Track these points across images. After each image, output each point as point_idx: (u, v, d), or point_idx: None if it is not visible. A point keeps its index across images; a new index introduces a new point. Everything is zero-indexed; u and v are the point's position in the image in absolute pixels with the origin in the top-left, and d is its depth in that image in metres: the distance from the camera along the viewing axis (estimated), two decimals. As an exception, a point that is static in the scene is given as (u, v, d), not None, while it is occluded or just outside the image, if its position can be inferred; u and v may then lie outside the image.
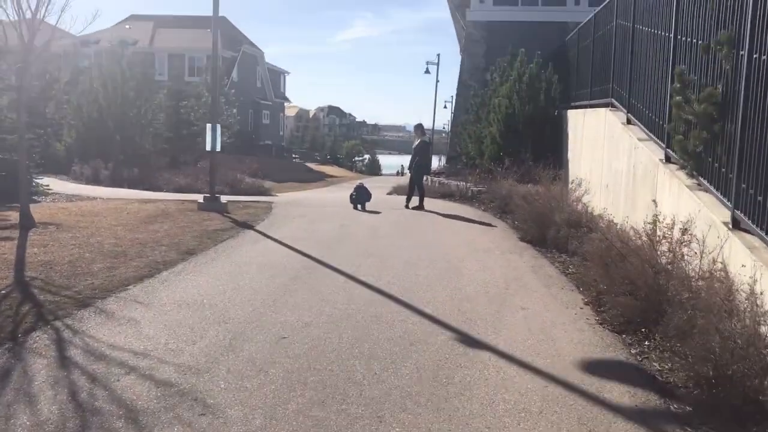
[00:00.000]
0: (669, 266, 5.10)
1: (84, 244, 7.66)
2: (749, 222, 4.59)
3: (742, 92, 4.69)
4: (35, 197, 12.18)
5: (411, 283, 6.36)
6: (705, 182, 5.53)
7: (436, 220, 11.03)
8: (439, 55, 44.73)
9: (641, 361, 4.35)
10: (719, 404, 3.53)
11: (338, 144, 64.95)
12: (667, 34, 6.71)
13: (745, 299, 4.07)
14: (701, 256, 4.86)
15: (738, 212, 4.76)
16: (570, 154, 12.65)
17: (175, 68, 37.05)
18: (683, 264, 5.07)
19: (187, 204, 11.76)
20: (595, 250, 6.32)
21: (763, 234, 4.31)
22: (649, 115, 7.41)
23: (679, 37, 6.33)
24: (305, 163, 46.94)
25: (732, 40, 4.95)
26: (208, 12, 11.51)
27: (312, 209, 12.45)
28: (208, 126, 11.52)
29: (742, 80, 4.71)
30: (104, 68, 21.91)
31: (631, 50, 8.39)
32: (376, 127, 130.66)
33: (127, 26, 40.31)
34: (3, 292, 5.56)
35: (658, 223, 5.59)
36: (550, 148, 13.55)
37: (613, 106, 9.43)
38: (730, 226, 4.83)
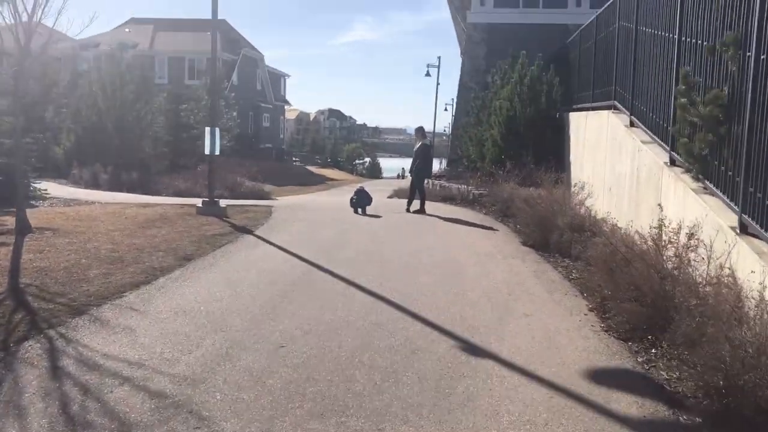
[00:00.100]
0: (675, 271, 4.99)
1: (80, 249, 7.57)
2: (757, 226, 4.48)
3: (749, 94, 4.59)
4: (33, 202, 12.10)
5: (412, 289, 6.25)
6: (711, 186, 5.43)
7: (437, 224, 10.93)
8: (439, 57, 44.75)
9: (648, 369, 4.24)
10: (730, 415, 3.43)
11: (339, 147, 64.95)
12: (671, 36, 6.62)
13: (755, 306, 3.97)
14: (708, 262, 4.75)
15: (745, 216, 4.66)
16: (572, 157, 12.56)
17: (175, 71, 37.02)
18: (690, 269, 4.97)
19: (186, 208, 11.67)
20: (599, 254, 6.22)
21: (773, 239, 4.22)
22: (652, 118, 7.31)
23: (683, 38, 6.23)
24: (306, 167, 46.90)
25: (738, 41, 4.85)
26: (209, 15, 11.44)
27: (312, 213, 12.36)
28: (207, 129, 11.43)
29: (749, 82, 4.61)
30: (103, 71, 21.84)
31: (634, 52, 8.30)
32: (376, 130, 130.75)
33: (127, 29, 40.33)
34: (-3, 299, 5.46)
35: (663, 227, 5.49)
36: (551, 151, 13.44)
37: (615, 108, 9.34)
38: (738, 230, 4.73)
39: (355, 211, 12.11)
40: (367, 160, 61.45)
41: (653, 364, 4.31)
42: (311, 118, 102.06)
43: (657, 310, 4.77)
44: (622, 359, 4.43)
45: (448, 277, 6.82)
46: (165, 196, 16.24)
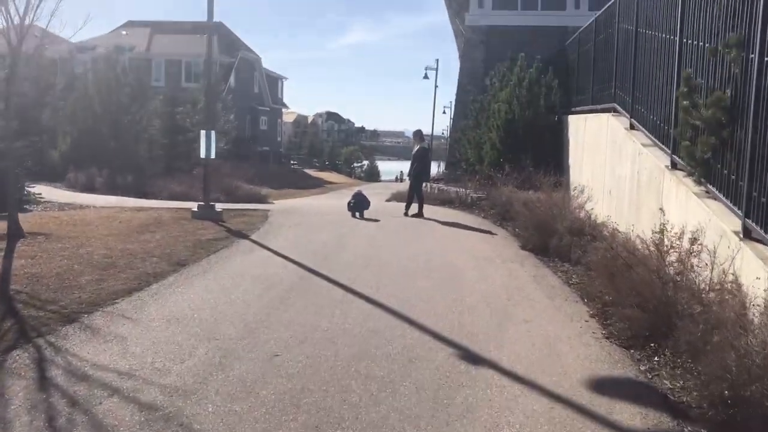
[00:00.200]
0: (677, 277, 4.90)
1: (73, 255, 7.45)
2: (761, 231, 4.40)
3: (753, 96, 4.51)
4: (26, 206, 11.96)
5: (410, 295, 6.15)
6: (714, 189, 5.34)
7: (435, 228, 10.83)
8: (437, 60, 44.63)
9: (651, 378, 4.14)
10: (736, 426, 3.33)
11: (337, 150, 64.80)
12: (672, 37, 6.54)
13: (760, 313, 3.88)
14: (712, 267, 4.66)
15: (749, 221, 4.57)
16: (571, 160, 12.48)
17: (172, 74, 36.90)
18: (692, 275, 4.87)
19: (181, 212, 11.55)
20: (600, 259, 6.13)
21: (778, 244, 4.13)
22: (653, 120, 7.23)
23: (684, 40, 6.15)
24: (303, 170, 46.77)
25: (741, 43, 4.77)
26: (205, 18, 11.33)
27: (309, 217, 12.25)
28: (203, 132, 11.32)
29: (752, 84, 4.53)
30: (99, 74, 21.72)
31: (634, 54, 8.22)
32: (375, 133, 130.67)
33: (124, 32, 40.24)
34: (-14, 306, 5.34)
35: (665, 232, 5.39)
36: (550, 154, 13.37)
37: (615, 110, 9.26)
38: (741, 235, 4.64)
39: (353, 215, 12.01)
40: (366, 163, 61.33)
41: (656, 373, 4.21)
42: (309, 121, 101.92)
43: (659, 316, 4.67)
44: (624, 368, 4.33)
45: (447, 282, 6.72)
46: (161, 199, 16.10)
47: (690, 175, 5.78)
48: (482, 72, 19.10)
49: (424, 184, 13.19)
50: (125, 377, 3.96)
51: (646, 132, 7.50)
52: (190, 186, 17.24)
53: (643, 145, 7.31)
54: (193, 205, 11.47)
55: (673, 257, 5.13)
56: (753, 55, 4.52)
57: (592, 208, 9.01)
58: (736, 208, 4.86)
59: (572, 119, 12.86)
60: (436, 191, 15.18)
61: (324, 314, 5.40)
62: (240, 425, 3.37)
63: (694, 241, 4.99)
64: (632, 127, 8.13)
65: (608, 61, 10.03)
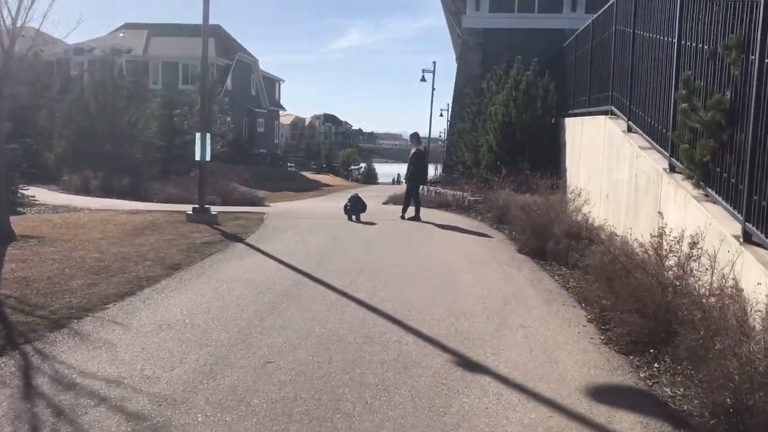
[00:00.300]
0: (677, 282, 4.83)
1: (65, 258, 7.34)
2: (762, 235, 4.33)
3: (753, 98, 4.45)
4: (20, 209, 11.85)
5: (406, 300, 6.06)
6: (713, 193, 5.28)
7: (432, 232, 10.76)
8: (434, 62, 44.49)
9: (651, 386, 4.07)
10: (739, 436, 3.26)
11: (334, 152, 64.69)
12: (670, 40, 6.48)
13: (762, 320, 3.80)
14: (712, 272, 4.59)
15: (749, 225, 4.50)
16: (568, 163, 12.42)
17: (170, 76, 36.75)
18: (692, 280, 4.80)
19: (176, 215, 11.44)
20: (598, 263, 6.07)
21: (779, 249, 4.06)
22: (651, 123, 7.17)
23: (683, 42, 6.09)
24: (300, 172, 46.69)
25: (741, 45, 4.71)
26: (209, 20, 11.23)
27: (305, 220, 12.16)
28: (198, 135, 11.22)
29: (752, 86, 4.46)
30: (96, 76, 21.60)
31: (632, 56, 8.16)
32: (372, 136, 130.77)
33: (121, 34, 40.17)
34: (-27, 312, 5.24)
35: (664, 236, 5.32)
36: (547, 157, 13.31)
37: (612, 113, 9.20)
38: (741, 239, 4.57)
39: (350, 218, 11.93)
40: (363, 165, 61.21)
41: (656, 380, 4.13)
42: (306, 124, 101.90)
43: (659, 322, 4.60)
44: (623, 375, 4.25)
45: (443, 287, 6.64)
46: (156, 202, 15.99)
47: (689, 178, 5.72)
48: (479, 74, 19.03)
49: (420, 187, 13.13)
50: (113, 385, 3.86)
51: (644, 135, 7.44)
52: (186, 189, 17.14)
53: (641, 148, 7.25)
54: (189, 208, 11.37)
55: (672, 261, 5.06)
56: (753, 57, 4.46)
57: (590, 212, 8.95)
58: (736, 212, 4.79)
59: (569, 122, 12.81)
60: (432, 194, 15.13)
61: (318, 320, 5.31)
62: (230, 435, 3.28)
63: (693, 245, 4.91)
64: (630, 129, 8.07)
65: (605, 64, 9.97)
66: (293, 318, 5.36)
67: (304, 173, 46.08)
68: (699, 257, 4.85)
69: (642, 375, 4.23)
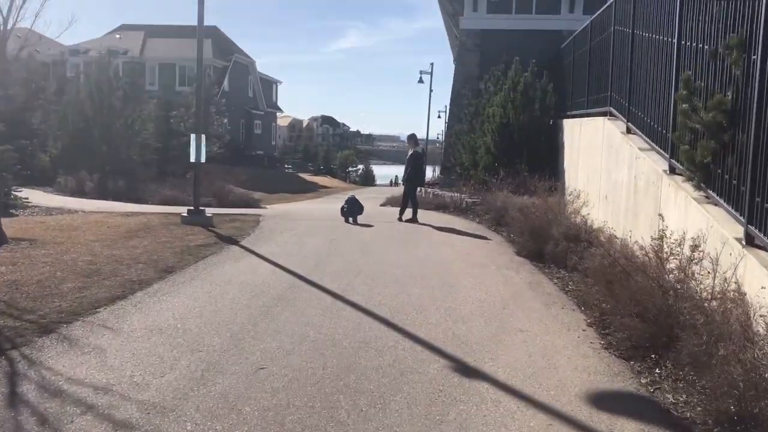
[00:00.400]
0: (678, 285, 4.74)
1: (56, 261, 7.23)
2: (765, 238, 4.25)
3: (755, 99, 4.37)
4: (12, 210, 11.73)
5: (402, 303, 5.97)
6: (714, 195, 5.20)
7: (429, 234, 10.67)
8: (432, 64, 44.53)
9: (653, 392, 3.97)
10: (743, 445, 3.17)
11: (332, 154, 64.64)
12: (670, 40, 6.41)
13: (767, 324, 3.72)
14: (714, 276, 4.50)
15: (752, 227, 4.42)
16: (566, 165, 12.34)
17: (166, 78, 36.71)
18: (693, 283, 4.72)
19: (171, 217, 11.33)
20: (597, 266, 5.97)
21: (783, 252, 3.97)
22: (650, 124, 7.09)
23: (683, 42, 6.01)
24: (298, 174, 46.60)
25: (743, 44, 4.63)
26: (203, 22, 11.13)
27: (301, 222, 12.06)
28: (193, 136, 11.12)
29: (754, 86, 4.38)
30: (91, 78, 21.50)
31: (631, 57, 8.09)
32: (370, 137, 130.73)
33: (118, 36, 40.05)
34: (-40, 316, 5.13)
35: (665, 238, 5.24)
36: (545, 159, 13.24)
37: (611, 114, 9.13)
38: (744, 242, 4.49)
39: (346, 220, 11.84)
40: (361, 167, 61.19)
41: (658, 386, 4.04)
42: (304, 125, 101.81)
43: (660, 326, 4.51)
44: (624, 381, 4.16)
45: (440, 290, 6.55)
46: (151, 204, 15.88)
47: (689, 179, 5.63)
48: (477, 76, 18.98)
49: (418, 189, 13.04)
50: (101, 392, 3.75)
51: (643, 136, 7.36)
52: (181, 190, 17.04)
53: (640, 149, 7.17)
54: (184, 210, 11.26)
55: (672, 265, 4.97)
56: (755, 57, 4.38)
57: (588, 214, 8.87)
58: (737, 214, 4.71)
59: (567, 123, 12.74)
60: (430, 196, 15.04)
61: (313, 324, 5.21)
62: (220, 445, 3.18)
63: (695, 248, 4.83)
64: (629, 131, 7.99)
65: (604, 65, 9.90)
66: (287, 322, 5.26)
67: (302, 175, 45.97)
68: (700, 260, 4.77)
69: (643, 381, 4.14)
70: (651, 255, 5.19)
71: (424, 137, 36.19)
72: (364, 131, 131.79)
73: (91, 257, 7.55)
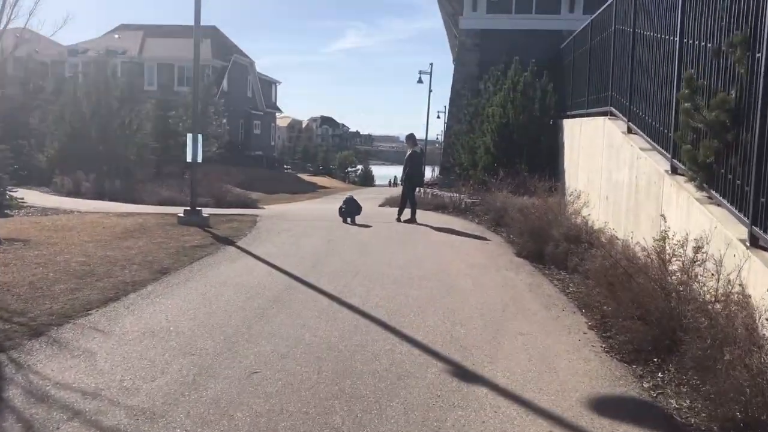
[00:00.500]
0: (681, 287, 4.65)
1: (49, 262, 7.13)
2: (770, 239, 4.15)
3: (760, 97, 4.27)
4: (7, 211, 11.63)
5: (400, 305, 5.87)
6: (717, 195, 5.10)
7: (428, 234, 10.57)
8: (431, 64, 44.49)
9: (656, 397, 3.88)
10: (750, 452, 3.07)
11: (331, 154, 64.55)
12: (671, 38, 6.31)
13: (773, 328, 3.62)
14: (718, 278, 4.41)
15: (756, 228, 4.32)
16: (566, 165, 12.25)
17: (165, 78, 36.60)
18: (696, 285, 4.62)
19: (167, 218, 11.23)
20: (598, 268, 5.88)
21: (789, 254, 3.88)
22: (652, 124, 7.00)
23: (685, 40, 5.92)
24: (297, 174, 46.54)
25: (747, 42, 4.53)
26: (201, 21, 11.02)
27: (299, 223, 11.96)
28: (189, 136, 11.02)
29: (759, 84, 4.29)
30: (89, 77, 21.41)
31: (632, 56, 7.99)
32: (369, 138, 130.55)
33: (117, 36, 39.96)
34: (-51, 318, 5.03)
35: (667, 240, 5.14)
36: (545, 159, 13.16)
37: (612, 114, 9.04)
38: (748, 243, 4.39)
39: (344, 221, 11.74)
40: (360, 167, 61.08)
41: (661, 391, 3.94)
42: (303, 126, 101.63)
43: (662, 329, 4.42)
44: (626, 385, 4.06)
45: (439, 292, 6.45)
46: (148, 204, 15.77)
47: (691, 180, 5.53)
48: (476, 76, 18.89)
49: (417, 189, 12.95)
50: (89, 398, 3.65)
51: (645, 136, 7.26)
52: (179, 190, 16.96)
53: (642, 149, 7.08)
54: (181, 211, 11.16)
55: (675, 266, 4.88)
56: (759, 54, 4.29)
57: (589, 214, 8.77)
58: (741, 215, 4.61)
59: (567, 123, 12.65)
60: (429, 196, 14.94)
61: (308, 327, 5.11)
62: (210, 453, 3.08)
63: (698, 249, 4.73)
64: (630, 130, 7.90)
65: (604, 64, 9.81)
66: (283, 325, 5.16)
67: (301, 175, 45.90)
68: (704, 262, 4.67)
69: (645, 385, 4.05)
70: (653, 256, 5.10)
71: (424, 137, 36.13)
72: (364, 131, 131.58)
73: (84, 258, 7.45)
